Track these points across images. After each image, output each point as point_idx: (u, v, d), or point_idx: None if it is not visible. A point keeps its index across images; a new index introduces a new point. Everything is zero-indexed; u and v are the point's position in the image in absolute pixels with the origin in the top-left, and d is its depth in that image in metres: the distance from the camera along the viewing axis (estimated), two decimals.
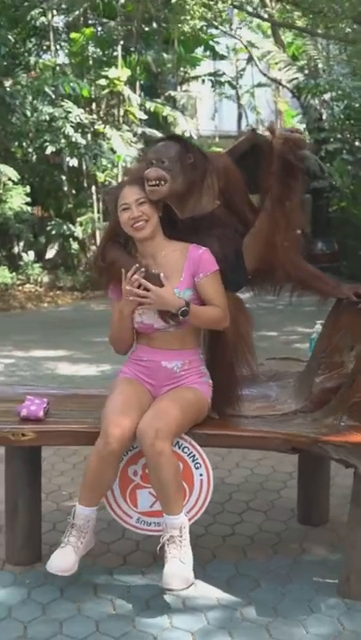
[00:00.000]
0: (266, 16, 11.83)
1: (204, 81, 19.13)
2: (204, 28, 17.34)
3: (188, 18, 15.38)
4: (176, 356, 3.22)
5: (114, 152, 14.80)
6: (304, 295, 3.54)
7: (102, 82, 14.67)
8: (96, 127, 14.85)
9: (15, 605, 3.07)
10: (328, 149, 15.89)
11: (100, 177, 15.32)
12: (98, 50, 15.77)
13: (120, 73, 14.71)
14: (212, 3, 12.27)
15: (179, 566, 2.98)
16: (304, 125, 17.79)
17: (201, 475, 3.22)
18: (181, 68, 18.33)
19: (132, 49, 15.85)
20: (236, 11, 16.93)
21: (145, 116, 15.41)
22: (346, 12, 8.63)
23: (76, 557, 3.03)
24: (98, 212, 15.99)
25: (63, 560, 3.01)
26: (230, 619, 2.96)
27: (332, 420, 3.27)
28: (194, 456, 3.20)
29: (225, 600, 3.11)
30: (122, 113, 15.52)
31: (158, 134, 16.02)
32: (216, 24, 12.28)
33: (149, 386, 3.24)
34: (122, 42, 15.46)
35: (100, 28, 16.08)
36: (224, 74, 20.52)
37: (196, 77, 19.40)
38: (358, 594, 3.05)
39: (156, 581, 3.23)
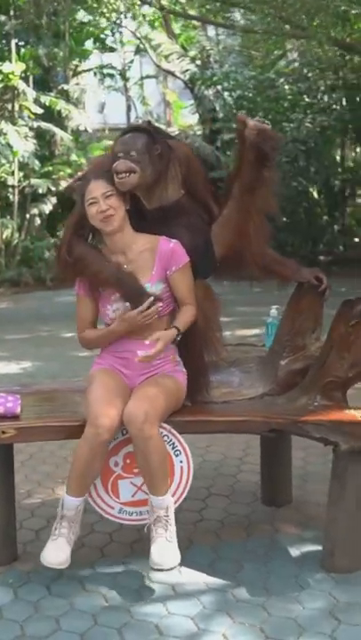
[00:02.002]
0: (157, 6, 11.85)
1: (95, 73, 19.04)
2: (95, 19, 17.22)
3: (79, 8, 15.27)
4: (151, 346, 3.23)
5: (10, 147, 14.57)
6: (266, 280, 3.60)
7: None
8: None
9: (5, 606, 3.03)
10: (223, 139, 16.10)
11: None
12: None
13: (14, 67, 14.49)
14: None
15: (166, 545, 3.04)
16: (197, 116, 17.97)
17: (181, 462, 3.25)
18: (73, 62, 18.17)
19: (25, 42, 15.63)
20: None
21: (40, 110, 15.23)
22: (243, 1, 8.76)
23: (69, 548, 3.04)
24: None
25: (58, 553, 3.02)
26: (225, 601, 3.01)
27: (306, 400, 3.35)
28: (173, 443, 3.23)
29: (213, 584, 3.15)
30: (17, 107, 15.29)
31: (53, 128, 15.90)
32: (106, 15, 12.21)
33: (124, 376, 3.25)
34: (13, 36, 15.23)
35: None
36: (113, 67, 20.48)
37: (87, 70, 19.27)
38: (344, 567, 3.15)
39: (140, 570, 3.27)
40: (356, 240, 18.06)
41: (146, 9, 13.33)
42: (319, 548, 3.34)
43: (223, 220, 3.38)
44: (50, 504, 4.03)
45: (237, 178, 3.32)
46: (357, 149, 18.04)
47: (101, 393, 3.09)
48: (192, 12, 13.91)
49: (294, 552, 3.41)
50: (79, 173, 15.52)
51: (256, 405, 3.41)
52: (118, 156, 3.18)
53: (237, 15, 12.66)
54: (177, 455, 3.24)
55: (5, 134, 14.50)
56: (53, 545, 3.05)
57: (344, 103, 15.12)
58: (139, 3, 11.66)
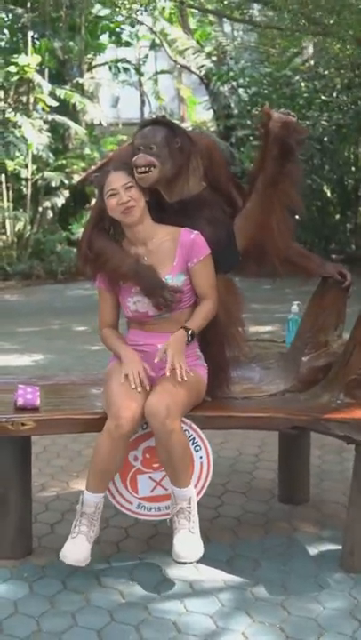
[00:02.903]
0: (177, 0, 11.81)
1: (111, 67, 19.00)
2: (112, 13, 17.17)
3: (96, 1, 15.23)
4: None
5: (25, 140, 14.54)
6: (289, 275, 3.55)
7: (12, 69, 14.38)
8: (6, 115, 14.56)
9: (20, 600, 2.99)
10: (238, 136, 16.05)
11: (10, 165, 15.05)
12: (6, 36, 15.46)
13: (30, 60, 14.45)
14: None
15: (188, 536, 3.02)
16: (212, 112, 17.91)
17: (201, 457, 3.21)
18: (88, 55, 18.14)
19: (41, 35, 15.60)
20: None
21: (55, 103, 15.20)
22: None
23: (89, 546, 2.99)
24: (8, 200, 15.72)
25: (77, 550, 2.97)
26: (243, 599, 2.96)
27: (329, 398, 3.30)
28: (194, 439, 3.19)
29: (231, 581, 3.11)
30: (32, 100, 15.26)
31: (68, 121, 15.87)
32: (125, 8, 12.15)
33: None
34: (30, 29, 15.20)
35: (5, 15, 15.75)
36: (128, 61, 20.42)
37: (102, 64, 19.24)
38: None
39: (157, 566, 3.23)
40: None
41: (163, 3, 13.23)
42: (338, 547, 3.29)
43: (246, 213, 3.33)
44: (64, 497, 4.00)
45: (261, 171, 3.26)
46: None
47: (121, 387, 3.04)
48: (210, 7, 13.83)
49: (313, 551, 3.36)
50: (93, 166, 15.54)
51: (277, 402, 3.36)
52: (139, 149, 3.14)
53: (255, 11, 12.60)
54: (197, 451, 3.20)
55: (20, 127, 14.47)
56: (73, 542, 3.00)
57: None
58: None
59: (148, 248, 3.20)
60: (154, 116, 3.37)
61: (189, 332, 3.13)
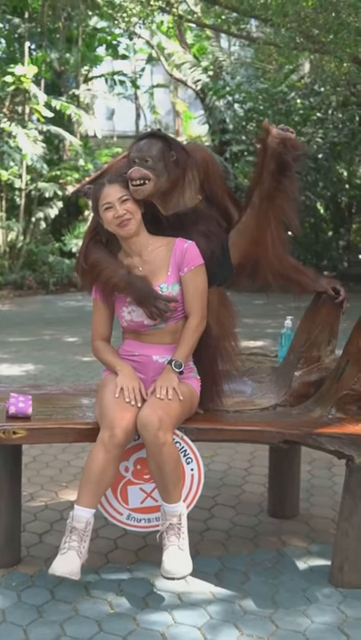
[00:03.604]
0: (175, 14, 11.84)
1: (107, 80, 19.06)
2: (109, 27, 17.24)
3: (94, 14, 15.28)
4: (167, 350, 3.20)
5: (19, 150, 14.57)
6: (283, 289, 3.56)
7: (8, 78, 14.42)
8: (1, 125, 14.59)
9: (8, 609, 2.98)
10: (233, 151, 16.11)
11: (4, 175, 15.06)
12: (3, 46, 15.51)
13: (27, 70, 14.50)
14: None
15: (178, 553, 2.99)
16: (207, 127, 17.98)
17: (192, 469, 3.21)
18: (84, 67, 18.19)
19: (38, 46, 15.66)
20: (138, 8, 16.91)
21: (51, 114, 15.24)
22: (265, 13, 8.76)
23: (79, 561, 2.92)
24: (1, 210, 15.72)
25: (67, 565, 2.89)
26: (232, 612, 2.96)
27: (320, 412, 3.31)
28: (185, 451, 3.19)
29: (220, 594, 3.10)
30: (27, 110, 15.29)
31: (63, 132, 15.91)
32: (124, 21, 12.19)
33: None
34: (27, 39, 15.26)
35: (3, 25, 15.81)
36: (125, 74, 20.50)
37: (99, 76, 19.32)
38: (352, 582, 3.10)
39: (145, 578, 3.23)
40: None
41: (161, 17, 13.30)
42: (327, 562, 3.30)
43: (241, 228, 3.34)
44: (53, 507, 4.00)
45: (257, 186, 3.26)
46: None
47: (116, 398, 3.04)
48: (207, 22, 13.90)
49: (302, 565, 3.36)
50: (87, 178, 15.57)
51: (269, 416, 3.37)
52: (134, 162, 3.16)
53: (252, 27, 12.67)
54: (188, 463, 3.20)
55: (15, 137, 14.50)
56: (62, 558, 2.92)
57: (356, 119, 15.11)
58: (157, 11, 11.65)
59: (144, 258, 3.21)
60: (149, 130, 3.38)
61: (175, 364, 3.12)
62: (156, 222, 3.32)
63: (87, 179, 15.75)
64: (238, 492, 4.28)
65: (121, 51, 19.84)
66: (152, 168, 3.15)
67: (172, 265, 3.18)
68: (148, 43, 19.07)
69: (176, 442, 3.13)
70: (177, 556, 2.98)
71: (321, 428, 3.18)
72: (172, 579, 2.97)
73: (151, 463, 3.01)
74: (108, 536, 3.61)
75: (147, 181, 3.14)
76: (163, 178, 3.18)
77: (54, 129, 15.71)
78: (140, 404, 3.03)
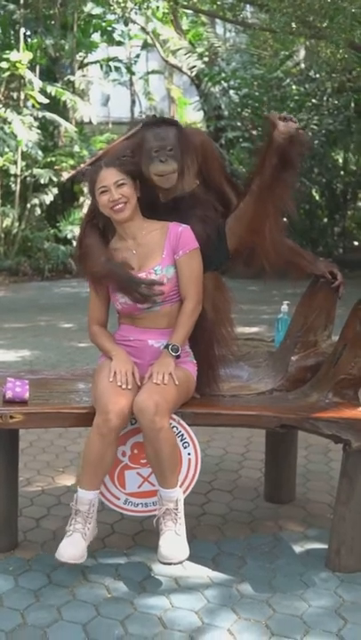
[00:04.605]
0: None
1: (102, 66, 18.94)
2: (104, 13, 17.12)
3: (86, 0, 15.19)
4: (163, 334, 3.19)
5: (14, 136, 14.50)
6: (279, 273, 3.55)
7: (3, 65, 14.34)
8: None
9: (5, 593, 2.99)
10: (228, 137, 16.05)
11: None
12: None
13: (22, 56, 14.41)
14: None
15: (174, 538, 3.00)
16: (202, 113, 17.90)
17: (189, 454, 3.21)
18: (80, 54, 18.09)
19: (33, 32, 15.57)
20: None
21: (46, 100, 15.16)
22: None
23: (85, 544, 2.97)
24: None
25: (73, 548, 2.94)
26: (229, 596, 2.97)
27: (317, 397, 3.31)
28: (182, 435, 3.19)
29: (217, 578, 3.11)
30: (22, 96, 15.22)
31: (58, 119, 15.83)
32: (119, 7, 12.10)
33: (135, 365, 3.20)
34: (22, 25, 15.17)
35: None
36: (120, 60, 20.37)
37: (94, 62, 19.20)
38: (349, 566, 3.11)
39: (142, 562, 3.24)
40: (356, 243, 18.04)
41: (156, 2, 13.21)
42: (323, 546, 3.31)
43: (239, 214, 3.32)
44: (50, 492, 4.00)
45: (258, 175, 3.24)
46: None
47: (111, 382, 3.04)
48: (203, 8, 13.81)
49: (298, 549, 3.37)
50: (82, 164, 15.50)
51: (266, 400, 3.36)
52: (155, 151, 3.14)
53: (248, 13, 12.59)
54: (185, 447, 3.20)
55: (10, 123, 14.43)
56: (68, 541, 2.97)
57: (352, 105, 15.05)
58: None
59: (138, 241, 3.20)
60: (143, 116, 3.37)
61: (171, 348, 3.12)
62: (152, 206, 3.30)
63: (82, 165, 15.68)
64: (235, 476, 4.29)
65: (116, 37, 19.64)
66: (174, 156, 3.16)
67: (166, 248, 3.17)
68: (143, 29, 18.95)
69: (173, 426, 3.13)
70: (174, 540, 2.99)
71: (318, 412, 3.18)
72: (169, 564, 2.98)
73: (148, 448, 3.01)
74: (105, 521, 3.61)
75: (174, 172, 3.16)
76: (181, 163, 3.19)
77: (49, 115, 15.61)
78: (130, 387, 3.02)
